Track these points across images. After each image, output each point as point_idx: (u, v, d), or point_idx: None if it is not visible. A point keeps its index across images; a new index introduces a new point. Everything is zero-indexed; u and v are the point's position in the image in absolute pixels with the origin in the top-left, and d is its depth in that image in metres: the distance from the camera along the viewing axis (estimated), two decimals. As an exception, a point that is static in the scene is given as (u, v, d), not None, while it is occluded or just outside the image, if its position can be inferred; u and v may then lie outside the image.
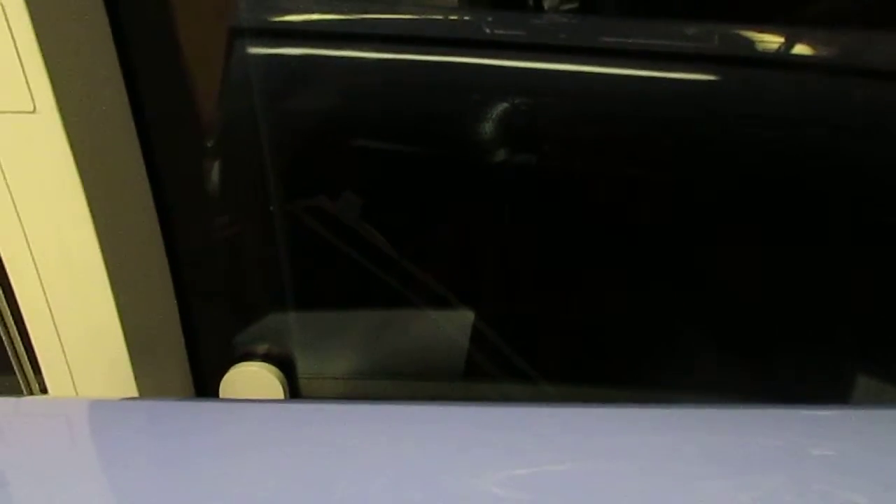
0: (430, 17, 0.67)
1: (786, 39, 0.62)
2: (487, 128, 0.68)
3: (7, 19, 0.48)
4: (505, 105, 0.66)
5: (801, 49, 0.62)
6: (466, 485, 0.39)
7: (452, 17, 0.68)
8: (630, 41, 0.64)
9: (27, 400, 0.60)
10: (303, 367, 0.74)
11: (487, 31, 0.67)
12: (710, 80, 0.65)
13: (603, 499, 0.38)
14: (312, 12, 0.66)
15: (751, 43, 0.62)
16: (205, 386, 0.73)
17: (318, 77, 0.68)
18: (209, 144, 0.68)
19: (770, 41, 0.62)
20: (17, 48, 0.49)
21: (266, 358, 0.73)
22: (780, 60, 0.63)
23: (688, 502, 0.37)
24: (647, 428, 0.45)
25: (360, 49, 0.66)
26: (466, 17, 0.68)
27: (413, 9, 0.67)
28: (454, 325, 0.73)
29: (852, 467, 0.41)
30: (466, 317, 0.73)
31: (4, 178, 0.53)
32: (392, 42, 0.66)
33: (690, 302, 0.72)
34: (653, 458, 0.41)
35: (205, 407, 0.51)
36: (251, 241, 0.72)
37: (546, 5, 0.66)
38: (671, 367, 0.73)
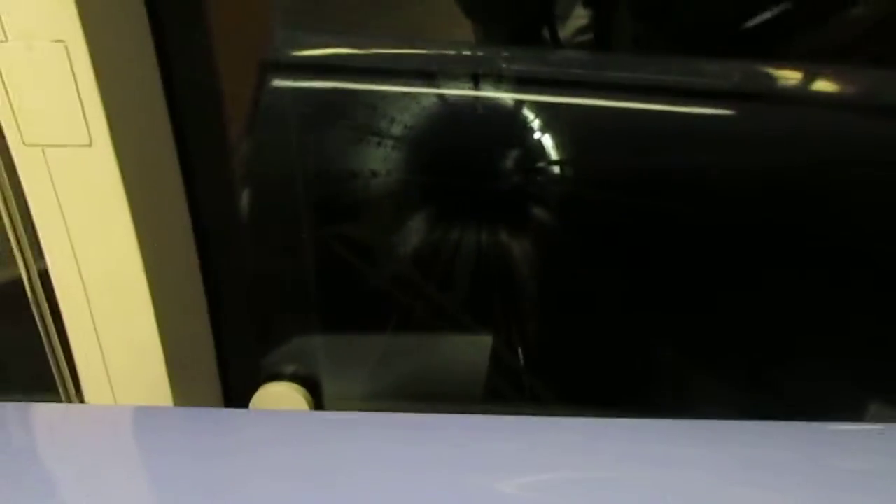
0: (448, 52, 0.70)
1: (804, 76, 0.64)
2: (508, 158, 0.70)
3: (70, 60, 0.52)
4: (525, 137, 0.69)
5: (818, 85, 0.64)
6: (489, 489, 0.41)
7: (470, 53, 0.71)
8: (644, 76, 0.67)
9: (76, 406, 0.63)
10: (329, 387, 0.76)
11: (504, 66, 0.69)
12: (726, 116, 0.67)
13: None
14: (334, 47, 0.70)
15: (767, 79, 0.65)
16: (235, 404, 0.76)
17: (345, 109, 0.71)
18: (243, 175, 0.72)
19: (788, 77, 0.64)
20: (77, 87, 0.53)
21: (294, 378, 0.75)
22: (798, 96, 0.65)
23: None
24: (667, 440, 0.46)
25: (384, 83, 0.69)
26: (483, 53, 0.71)
27: (434, 45, 0.70)
28: (475, 349, 0.75)
29: (875, 482, 0.41)
30: (486, 341, 0.75)
31: (59, 205, 0.57)
32: (413, 77, 0.69)
33: (705, 328, 0.74)
34: (672, 469, 0.43)
35: (241, 415, 0.53)
36: (282, 266, 0.75)
37: (561, 40, 0.69)
38: (685, 392, 0.75)
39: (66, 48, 0.51)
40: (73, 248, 0.59)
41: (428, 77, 0.69)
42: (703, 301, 0.73)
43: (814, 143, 0.66)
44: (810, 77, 0.64)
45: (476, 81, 0.69)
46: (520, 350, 0.76)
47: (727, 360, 0.75)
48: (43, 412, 0.54)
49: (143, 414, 0.54)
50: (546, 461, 0.44)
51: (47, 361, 0.67)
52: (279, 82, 0.69)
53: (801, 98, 0.65)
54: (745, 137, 0.66)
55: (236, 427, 0.50)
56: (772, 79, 0.65)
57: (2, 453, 0.46)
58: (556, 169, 0.71)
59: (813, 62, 0.64)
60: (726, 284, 0.71)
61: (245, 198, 0.72)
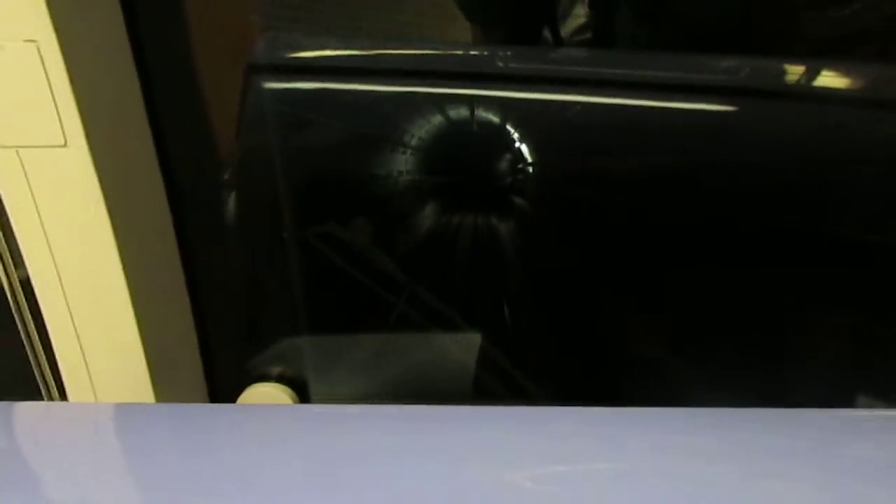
0: (443, 51, 0.70)
1: (805, 71, 0.64)
2: (498, 157, 0.70)
3: (42, 60, 0.51)
4: (517, 135, 0.69)
5: (819, 81, 0.64)
6: (496, 479, 0.40)
7: (467, 52, 0.71)
8: (644, 73, 0.66)
9: (57, 404, 0.63)
10: (315, 388, 0.76)
11: (501, 64, 0.69)
12: (726, 112, 0.67)
13: (629, 496, 0.38)
14: (325, 48, 0.70)
15: (770, 75, 0.64)
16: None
17: (330, 110, 0.71)
18: (226, 175, 0.72)
19: (790, 73, 0.64)
20: (50, 87, 0.52)
21: (280, 379, 0.75)
22: (799, 92, 0.64)
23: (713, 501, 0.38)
24: (673, 428, 0.45)
25: (373, 83, 0.69)
26: (481, 52, 0.70)
27: (426, 44, 0.70)
28: (462, 347, 0.75)
29: (882, 468, 0.41)
30: (474, 339, 0.75)
31: (36, 207, 0.57)
32: (404, 76, 0.69)
33: (696, 322, 0.73)
34: (679, 457, 0.42)
35: (226, 410, 0.53)
36: (266, 266, 0.74)
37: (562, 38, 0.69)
38: (676, 387, 0.75)
39: (38, 48, 0.51)
40: (51, 250, 0.58)
41: (425, 77, 0.69)
42: (698, 298, 0.73)
43: (817, 139, 0.65)
44: (813, 73, 0.64)
45: (474, 81, 0.69)
46: (509, 349, 0.76)
47: (721, 357, 0.75)
48: (24, 410, 0.53)
49: (125, 410, 0.54)
50: (554, 451, 0.44)
51: (29, 366, 0.67)
52: (266, 83, 0.69)
53: (804, 94, 0.65)
54: (748, 134, 0.66)
55: (220, 421, 0.50)
56: (774, 75, 0.65)
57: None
58: (553, 169, 0.70)
59: (816, 58, 0.63)
60: (721, 282, 0.71)
61: (229, 197, 0.72)
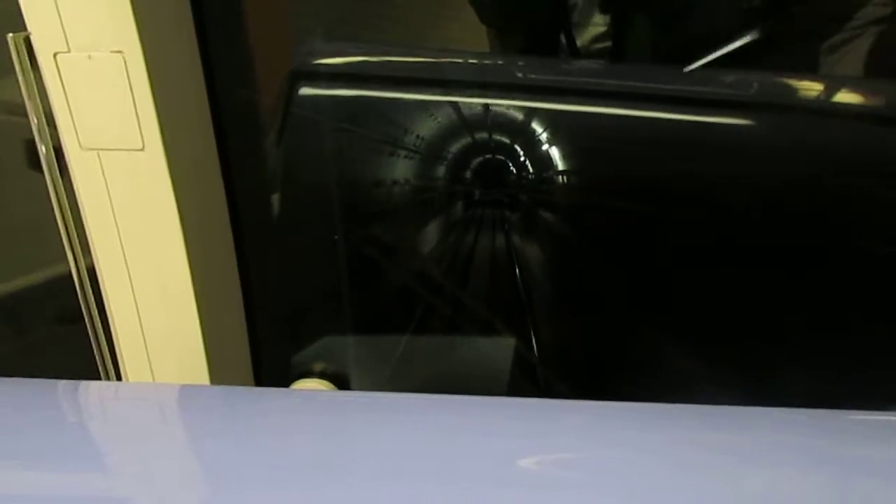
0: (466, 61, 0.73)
1: (824, 87, 0.67)
2: (524, 165, 0.73)
3: (127, 70, 0.55)
4: (541, 144, 0.72)
5: (838, 96, 0.67)
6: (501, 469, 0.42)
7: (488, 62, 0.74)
8: (660, 86, 0.69)
9: (126, 385, 0.66)
10: (356, 385, 0.79)
11: (520, 74, 0.72)
12: (742, 125, 0.70)
13: (636, 490, 0.39)
14: (369, 56, 0.73)
15: (784, 89, 0.67)
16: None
17: (369, 118, 0.74)
18: (279, 181, 0.75)
19: (806, 88, 0.67)
20: (133, 94, 0.56)
21: (322, 376, 0.78)
22: (816, 107, 0.67)
23: (725, 498, 0.38)
24: (681, 424, 0.46)
25: (406, 91, 0.72)
26: (500, 62, 0.73)
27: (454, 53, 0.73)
28: (499, 349, 0.78)
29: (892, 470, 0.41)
30: (509, 342, 0.77)
31: (111, 205, 0.61)
32: (436, 85, 0.72)
33: (717, 330, 0.76)
34: (687, 453, 0.43)
35: (277, 394, 0.55)
36: (313, 267, 0.78)
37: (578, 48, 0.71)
38: (701, 390, 0.77)
39: (124, 58, 0.55)
40: (122, 246, 0.62)
41: (445, 86, 0.72)
42: (713, 308, 0.75)
43: (828, 153, 0.68)
44: (830, 88, 0.66)
45: (492, 90, 0.72)
46: (542, 352, 0.78)
47: (734, 359, 0.76)
48: (94, 389, 0.55)
49: (190, 392, 0.56)
50: (568, 442, 0.45)
51: (89, 353, 0.70)
52: (307, 90, 0.72)
53: (818, 109, 0.67)
54: (761, 148, 0.69)
55: (276, 404, 0.52)
56: (789, 89, 0.67)
57: (55, 428, 0.48)
58: (572, 177, 0.73)
59: (834, 73, 0.66)
60: (734, 286, 0.73)
61: (282, 202, 0.75)
